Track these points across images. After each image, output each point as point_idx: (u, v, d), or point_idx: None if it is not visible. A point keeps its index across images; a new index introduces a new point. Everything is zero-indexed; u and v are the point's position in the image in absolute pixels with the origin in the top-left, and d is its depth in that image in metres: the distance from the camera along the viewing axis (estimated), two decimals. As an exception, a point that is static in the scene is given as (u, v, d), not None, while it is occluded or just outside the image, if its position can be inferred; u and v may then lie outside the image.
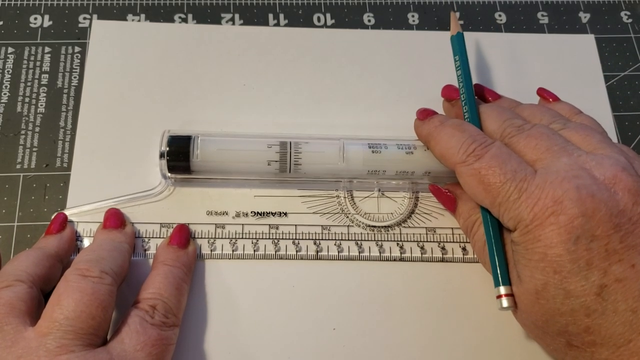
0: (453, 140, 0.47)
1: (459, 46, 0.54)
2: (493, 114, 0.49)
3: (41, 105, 0.57)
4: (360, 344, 0.49)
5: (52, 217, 0.50)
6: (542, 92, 0.54)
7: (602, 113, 0.58)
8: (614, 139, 0.56)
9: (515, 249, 0.44)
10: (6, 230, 0.52)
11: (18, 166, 0.54)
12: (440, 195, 0.52)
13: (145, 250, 0.51)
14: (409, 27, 0.63)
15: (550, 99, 0.53)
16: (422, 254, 0.52)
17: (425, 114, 0.51)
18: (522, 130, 0.46)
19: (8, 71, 0.58)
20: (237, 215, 0.52)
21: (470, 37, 0.60)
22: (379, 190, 0.54)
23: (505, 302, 0.44)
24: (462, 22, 0.64)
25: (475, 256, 0.51)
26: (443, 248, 0.52)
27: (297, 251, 0.51)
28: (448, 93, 0.55)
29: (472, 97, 0.51)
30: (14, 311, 0.41)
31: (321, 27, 0.63)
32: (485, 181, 0.44)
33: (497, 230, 0.46)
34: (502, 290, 0.44)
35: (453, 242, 0.52)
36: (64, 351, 0.39)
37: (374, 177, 0.52)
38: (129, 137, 0.55)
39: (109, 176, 0.53)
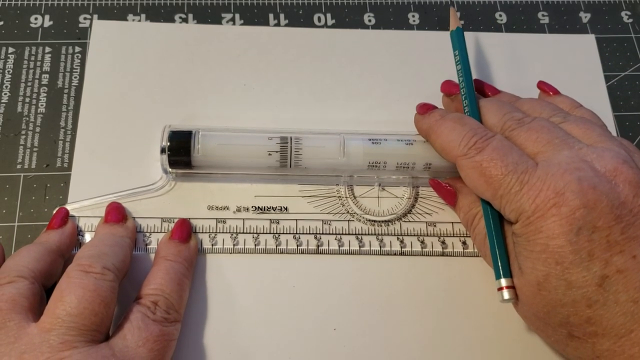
0: (454, 133, 0.47)
1: (458, 41, 0.54)
2: (493, 108, 0.49)
3: (41, 105, 0.57)
4: (360, 343, 0.49)
5: (54, 211, 0.50)
6: (543, 85, 0.54)
7: (603, 113, 0.57)
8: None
9: (517, 241, 0.44)
10: (7, 230, 0.52)
11: (18, 166, 0.54)
12: (440, 189, 0.52)
13: (146, 244, 0.51)
14: (410, 27, 0.63)
15: (551, 92, 0.54)
16: (422, 248, 0.52)
17: (425, 108, 0.51)
18: (523, 124, 0.46)
19: (8, 71, 0.58)
20: (238, 210, 0.52)
21: (470, 37, 0.61)
22: (380, 185, 0.54)
23: (506, 294, 0.44)
24: (462, 22, 0.64)
25: (475, 250, 0.51)
26: (443, 242, 0.52)
27: (297, 246, 0.51)
28: (447, 88, 0.55)
29: (472, 91, 0.52)
30: (17, 307, 0.41)
31: (321, 27, 0.63)
32: (486, 174, 0.44)
33: (497, 222, 0.47)
34: (504, 282, 0.45)
35: (453, 236, 0.52)
36: (67, 347, 0.39)
37: (374, 171, 0.52)
38: (130, 136, 0.55)
39: (109, 176, 0.53)
